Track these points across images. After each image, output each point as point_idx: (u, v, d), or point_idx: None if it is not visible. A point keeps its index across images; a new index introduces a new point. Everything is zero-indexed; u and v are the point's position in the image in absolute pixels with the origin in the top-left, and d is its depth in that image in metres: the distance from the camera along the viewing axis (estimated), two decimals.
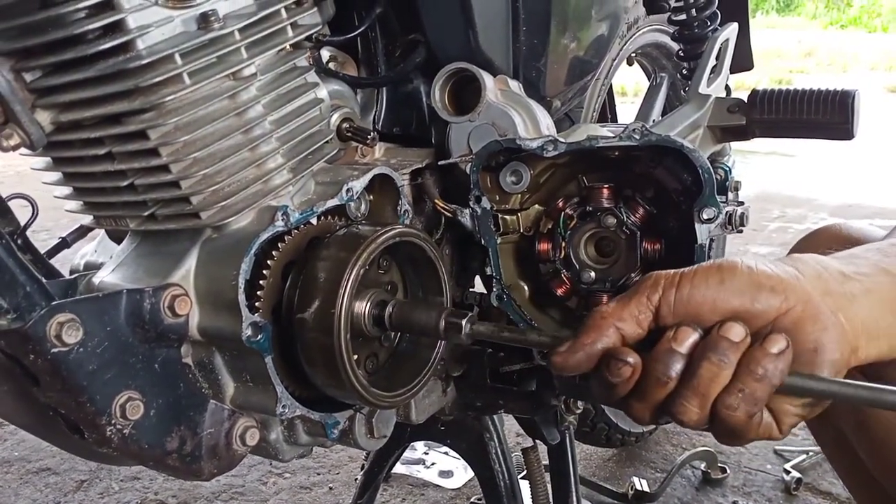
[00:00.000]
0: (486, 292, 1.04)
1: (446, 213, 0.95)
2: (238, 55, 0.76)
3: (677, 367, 0.60)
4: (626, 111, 1.96)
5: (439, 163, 0.98)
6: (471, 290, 1.08)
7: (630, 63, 1.68)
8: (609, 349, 0.62)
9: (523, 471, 1.21)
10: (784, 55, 10.12)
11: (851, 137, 1.23)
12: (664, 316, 0.62)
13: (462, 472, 1.82)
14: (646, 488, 1.75)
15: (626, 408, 0.64)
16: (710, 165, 0.82)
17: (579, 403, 1.11)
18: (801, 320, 0.60)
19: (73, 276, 0.83)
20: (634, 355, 0.62)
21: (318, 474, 1.85)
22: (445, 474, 1.82)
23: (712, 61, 1.27)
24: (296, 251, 0.79)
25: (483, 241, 0.94)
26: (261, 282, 0.76)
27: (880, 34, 12.70)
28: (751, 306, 0.60)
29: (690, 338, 0.60)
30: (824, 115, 1.20)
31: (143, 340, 0.71)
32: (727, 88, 1.34)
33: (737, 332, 0.60)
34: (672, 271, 0.63)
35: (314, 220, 0.81)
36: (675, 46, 1.53)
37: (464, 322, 0.75)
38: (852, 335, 0.61)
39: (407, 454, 1.84)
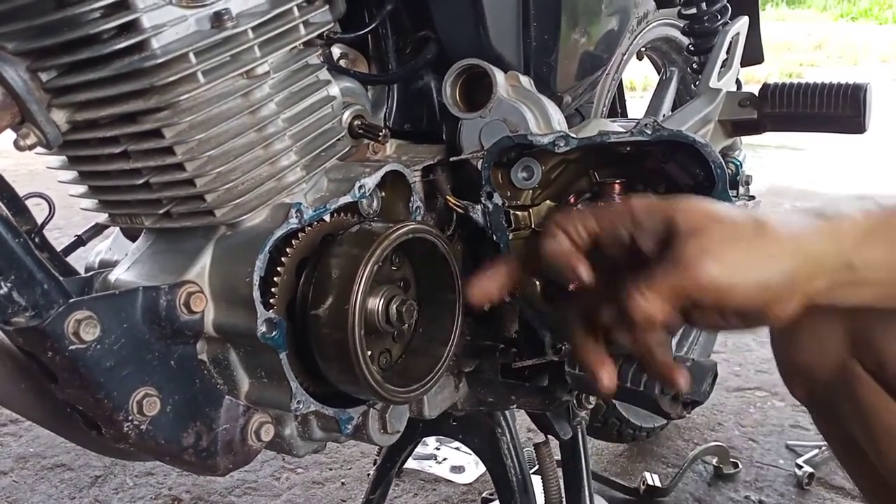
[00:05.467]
0: None
1: (458, 209, 0.96)
2: (251, 53, 0.76)
3: None
4: (635, 106, 1.96)
5: (451, 159, 0.98)
6: None
7: (640, 57, 1.68)
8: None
9: (535, 466, 1.21)
10: (794, 48, 10.04)
11: (863, 131, 1.23)
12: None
13: (473, 468, 1.82)
14: (657, 483, 1.75)
15: None
16: (722, 160, 0.82)
17: (591, 398, 1.11)
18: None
19: (89, 274, 0.83)
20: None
21: (331, 469, 1.86)
22: (457, 469, 1.83)
23: (723, 55, 1.27)
24: (309, 248, 0.80)
25: (495, 237, 0.94)
26: (275, 279, 0.76)
27: (891, 26, 12.60)
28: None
29: None
30: (836, 109, 1.20)
31: (159, 337, 0.72)
32: (738, 82, 1.34)
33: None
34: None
35: (327, 217, 0.82)
36: (685, 40, 1.53)
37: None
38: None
39: (419, 450, 1.85)
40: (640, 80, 6.36)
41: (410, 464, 1.82)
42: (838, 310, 0.83)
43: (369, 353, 0.78)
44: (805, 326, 0.87)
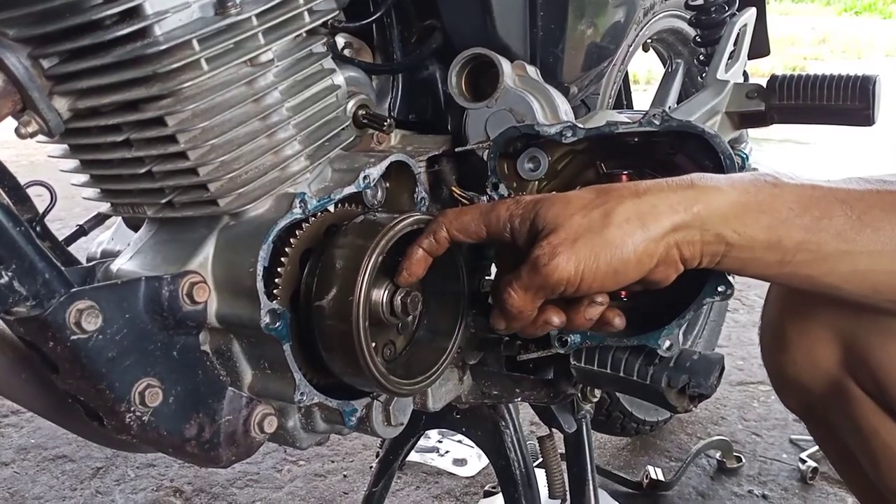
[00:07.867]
0: None
1: (463, 200, 0.95)
2: (255, 41, 0.75)
3: None
4: (639, 99, 1.94)
5: (456, 149, 0.98)
6: (487, 277, 1.07)
7: (646, 49, 1.66)
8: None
9: (538, 459, 1.20)
10: (798, 42, 10.00)
11: (872, 123, 1.22)
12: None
13: (476, 461, 1.82)
14: (661, 477, 1.74)
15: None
16: (731, 151, 0.81)
17: (596, 392, 1.11)
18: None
19: (90, 264, 0.83)
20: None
21: (333, 462, 1.85)
22: (459, 462, 1.83)
23: (730, 47, 1.26)
24: (313, 238, 0.79)
25: None
26: (279, 269, 0.76)
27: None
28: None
29: None
30: (845, 101, 1.19)
31: (162, 328, 0.71)
32: (745, 74, 1.33)
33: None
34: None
35: (331, 208, 0.81)
36: (691, 32, 1.51)
37: None
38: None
39: (421, 442, 1.84)
40: (642, 73, 6.35)
41: (413, 456, 1.82)
42: (830, 323, 0.82)
43: (373, 344, 0.77)
44: (796, 340, 0.85)
